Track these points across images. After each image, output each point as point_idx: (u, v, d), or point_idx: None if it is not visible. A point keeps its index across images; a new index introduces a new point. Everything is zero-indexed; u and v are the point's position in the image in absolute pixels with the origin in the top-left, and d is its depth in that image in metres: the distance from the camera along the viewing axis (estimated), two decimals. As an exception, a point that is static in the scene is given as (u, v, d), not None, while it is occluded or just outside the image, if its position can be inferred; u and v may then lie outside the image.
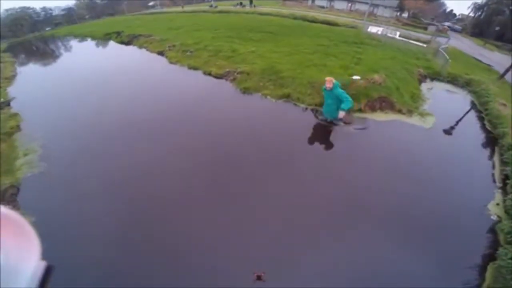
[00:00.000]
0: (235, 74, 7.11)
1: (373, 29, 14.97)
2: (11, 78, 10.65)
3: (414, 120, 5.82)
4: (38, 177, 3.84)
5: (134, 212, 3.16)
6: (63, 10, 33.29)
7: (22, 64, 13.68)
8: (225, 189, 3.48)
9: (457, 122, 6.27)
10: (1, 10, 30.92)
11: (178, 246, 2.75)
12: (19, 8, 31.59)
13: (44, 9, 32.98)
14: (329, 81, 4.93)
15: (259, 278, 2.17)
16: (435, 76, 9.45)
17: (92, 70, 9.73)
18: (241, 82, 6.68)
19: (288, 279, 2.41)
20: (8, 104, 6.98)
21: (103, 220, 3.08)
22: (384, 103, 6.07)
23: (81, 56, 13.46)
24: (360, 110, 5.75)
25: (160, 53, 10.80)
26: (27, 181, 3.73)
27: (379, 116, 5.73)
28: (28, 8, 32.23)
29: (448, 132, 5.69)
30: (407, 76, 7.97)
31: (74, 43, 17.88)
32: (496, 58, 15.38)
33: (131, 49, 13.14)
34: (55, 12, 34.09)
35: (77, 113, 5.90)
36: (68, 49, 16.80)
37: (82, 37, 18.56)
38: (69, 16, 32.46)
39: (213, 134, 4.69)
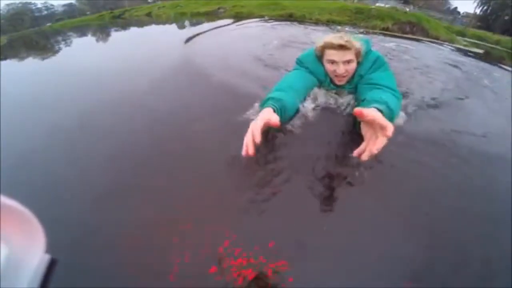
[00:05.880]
0: (227, 8, 5.86)
1: (381, 4, 14.12)
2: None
3: (460, 46, 4.43)
4: None
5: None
6: (63, 5, 33.35)
7: (13, 40, 12.88)
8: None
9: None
10: (2, 5, 30.91)
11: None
12: (20, 3, 31.56)
13: (45, 4, 33.05)
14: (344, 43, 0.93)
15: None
16: (459, 35, 8.26)
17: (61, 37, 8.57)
18: (233, 10, 5.40)
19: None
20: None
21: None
22: (415, 28, 4.73)
23: (66, 34, 12.51)
24: (386, 29, 4.39)
25: (148, 15, 9.73)
26: None
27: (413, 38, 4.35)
28: (29, 3, 32.24)
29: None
30: (434, 19, 6.73)
31: (67, 28, 17.22)
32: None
33: (117, 21, 12.10)
34: (58, 9, 34.22)
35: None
36: (58, 32, 16.10)
37: (78, 24, 17.99)
38: (71, 12, 32.39)
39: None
